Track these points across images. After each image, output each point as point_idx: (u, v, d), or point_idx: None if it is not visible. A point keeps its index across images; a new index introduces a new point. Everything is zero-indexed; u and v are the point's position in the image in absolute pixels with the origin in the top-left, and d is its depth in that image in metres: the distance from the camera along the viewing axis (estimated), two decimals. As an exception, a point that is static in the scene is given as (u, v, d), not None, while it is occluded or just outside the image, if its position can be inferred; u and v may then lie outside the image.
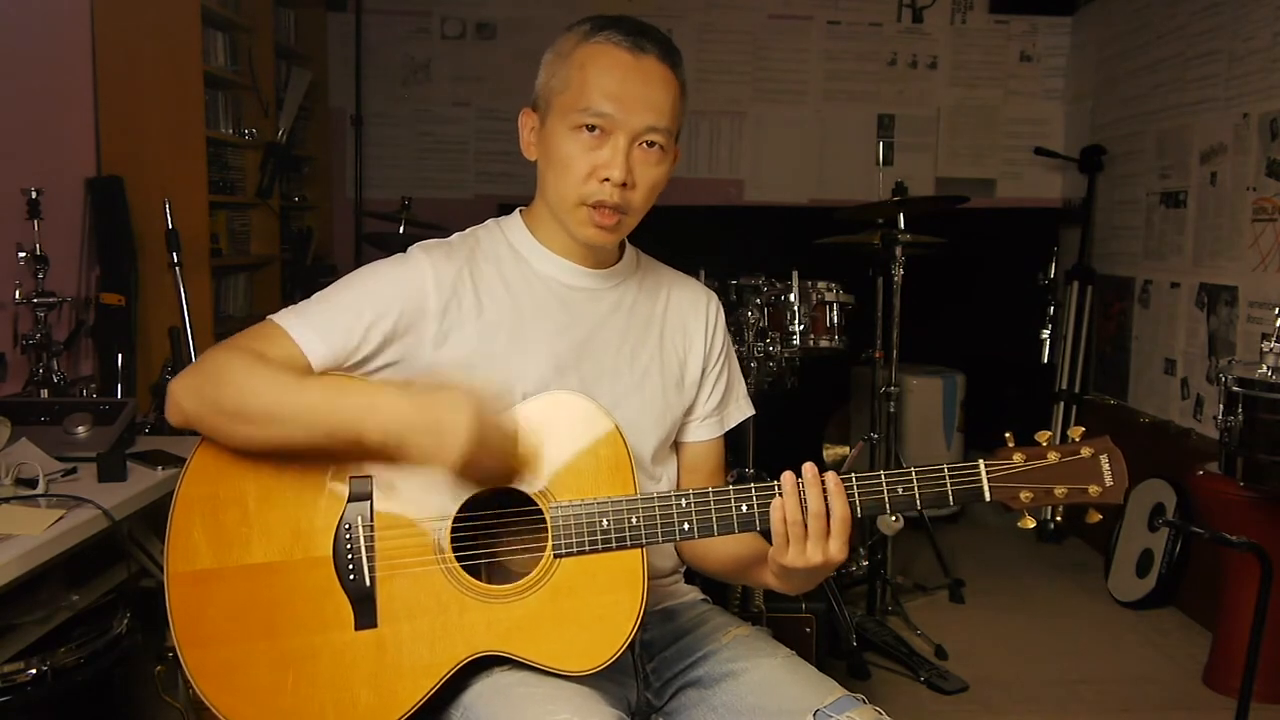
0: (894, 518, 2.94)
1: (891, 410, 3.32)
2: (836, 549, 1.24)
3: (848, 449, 3.97)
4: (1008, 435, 1.28)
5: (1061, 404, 4.22)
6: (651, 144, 1.35)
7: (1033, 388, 4.29)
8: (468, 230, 1.47)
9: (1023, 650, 3.11)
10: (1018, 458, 1.25)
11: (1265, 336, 2.64)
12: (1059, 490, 1.25)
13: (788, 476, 1.24)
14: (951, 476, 1.25)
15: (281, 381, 1.25)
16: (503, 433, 1.24)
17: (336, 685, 1.25)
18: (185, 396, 1.26)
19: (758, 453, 2.90)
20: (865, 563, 3.26)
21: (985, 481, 1.25)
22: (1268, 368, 2.56)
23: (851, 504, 1.24)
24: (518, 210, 1.48)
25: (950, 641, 3.06)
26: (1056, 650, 3.11)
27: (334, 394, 1.24)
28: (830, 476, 1.24)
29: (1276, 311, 2.64)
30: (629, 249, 1.51)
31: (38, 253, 2.44)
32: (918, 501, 1.25)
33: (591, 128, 1.32)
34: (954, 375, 4.28)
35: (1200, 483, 2.81)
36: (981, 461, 1.26)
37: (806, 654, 1.44)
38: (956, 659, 3.00)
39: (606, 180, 1.32)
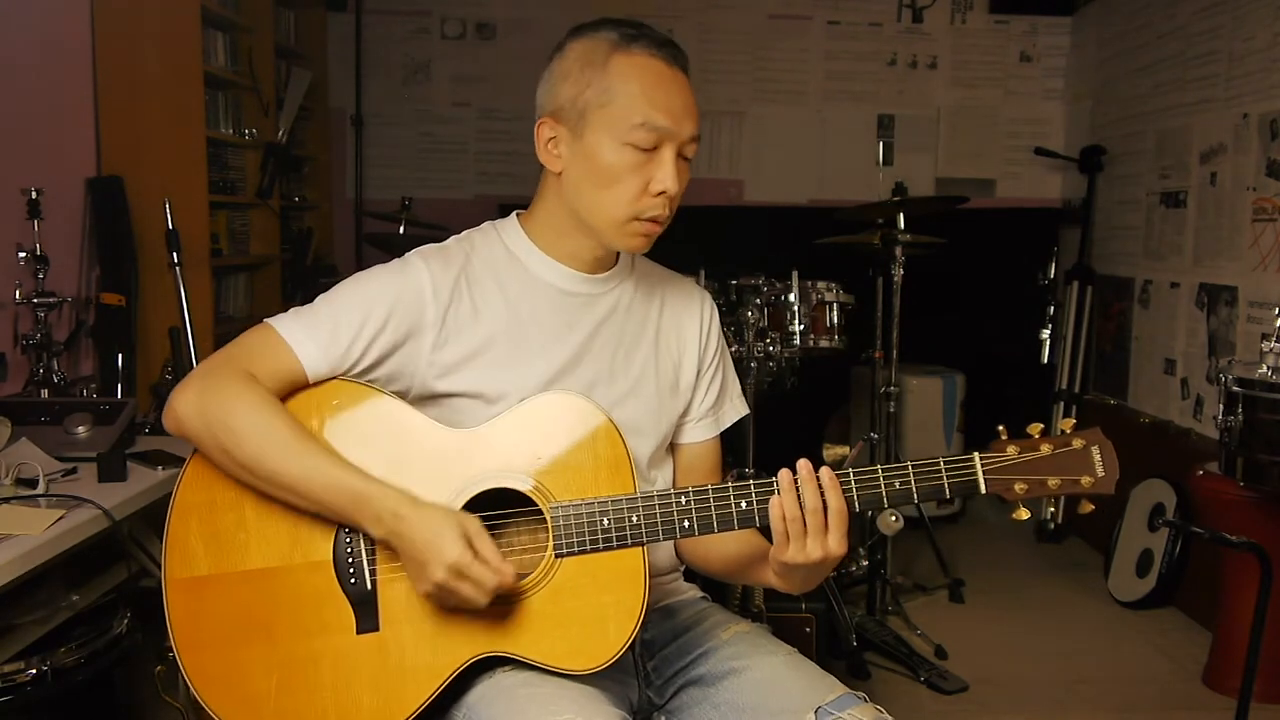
0: (894, 517, 2.94)
1: (891, 410, 3.32)
2: (835, 543, 1.24)
3: (848, 449, 3.98)
4: (1000, 428, 1.29)
5: (1061, 404, 4.22)
6: (688, 153, 1.36)
7: (1033, 388, 4.29)
8: (463, 234, 1.46)
9: (1023, 650, 3.11)
10: (1011, 450, 1.27)
11: (1265, 336, 2.64)
12: (1052, 481, 1.26)
13: (784, 474, 1.25)
14: (947, 469, 1.26)
15: (296, 452, 1.25)
16: (477, 591, 1.22)
17: (339, 689, 1.25)
18: (190, 421, 1.27)
19: (758, 453, 2.90)
20: (865, 563, 3.26)
21: (980, 474, 1.26)
22: (1268, 368, 2.56)
23: (849, 498, 1.25)
24: (514, 214, 1.47)
25: (950, 641, 3.06)
26: (1056, 650, 3.11)
27: (343, 485, 1.25)
28: (825, 472, 1.25)
29: (1276, 311, 2.64)
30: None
31: (38, 253, 2.44)
32: (914, 494, 1.26)
33: (645, 141, 1.32)
34: (954, 375, 4.28)
35: (1200, 483, 2.81)
36: (976, 454, 1.27)
37: (806, 654, 1.44)
38: (956, 659, 3.00)
39: (661, 194, 1.33)
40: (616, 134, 1.32)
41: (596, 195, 1.35)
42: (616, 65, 1.33)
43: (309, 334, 1.31)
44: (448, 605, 1.25)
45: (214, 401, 1.26)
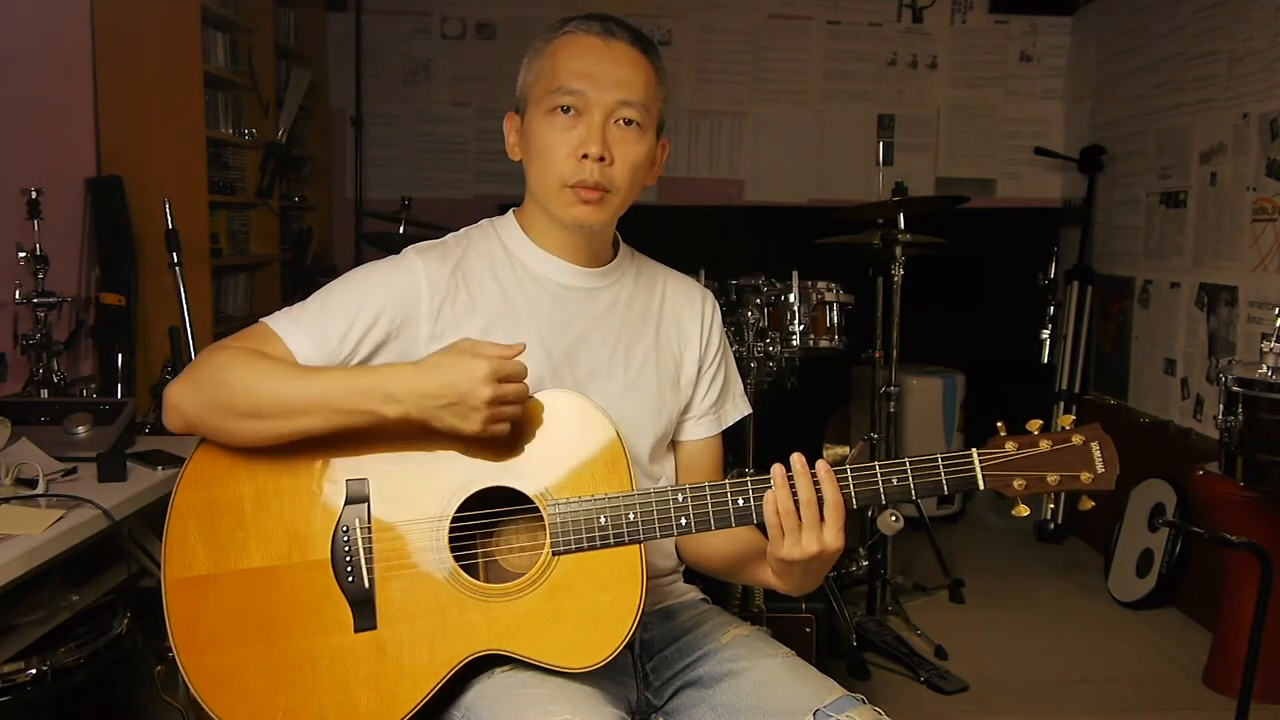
0: (894, 517, 2.94)
1: (891, 410, 3.32)
2: (832, 536, 1.24)
3: (848, 449, 3.97)
4: (999, 425, 1.29)
5: (1061, 404, 4.22)
6: (629, 121, 1.36)
7: (1033, 388, 4.29)
8: (462, 230, 1.47)
9: (1023, 650, 3.11)
10: (1010, 446, 1.27)
11: (1265, 336, 2.64)
12: (1051, 477, 1.26)
13: (777, 469, 1.25)
14: (945, 465, 1.26)
15: (289, 374, 1.26)
16: (519, 383, 1.25)
17: (336, 688, 1.25)
18: (186, 400, 1.27)
19: (758, 453, 2.90)
20: (865, 563, 3.26)
21: (978, 470, 1.26)
22: (1268, 368, 2.56)
23: (846, 495, 1.25)
24: (511, 211, 1.49)
25: (950, 641, 3.06)
26: (1056, 650, 3.11)
27: (347, 380, 1.25)
28: (820, 465, 1.25)
29: (1276, 311, 2.64)
30: (623, 247, 1.51)
31: (38, 253, 2.44)
32: (912, 491, 1.26)
33: (566, 109, 1.34)
34: (954, 375, 4.28)
35: (1200, 483, 2.81)
36: (974, 450, 1.27)
37: (806, 654, 1.44)
38: (956, 659, 3.00)
39: (585, 157, 1.34)
40: (542, 105, 1.36)
41: (535, 169, 1.39)
42: (550, 47, 1.38)
43: (301, 329, 1.32)
44: (502, 421, 1.24)
45: (203, 371, 1.28)
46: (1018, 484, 1.26)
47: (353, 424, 1.25)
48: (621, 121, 1.36)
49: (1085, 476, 1.26)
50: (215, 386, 1.25)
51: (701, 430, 1.54)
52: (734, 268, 3.11)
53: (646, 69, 1.38)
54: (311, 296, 1.37)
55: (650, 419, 1.46)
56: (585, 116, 1.34)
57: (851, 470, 1.26)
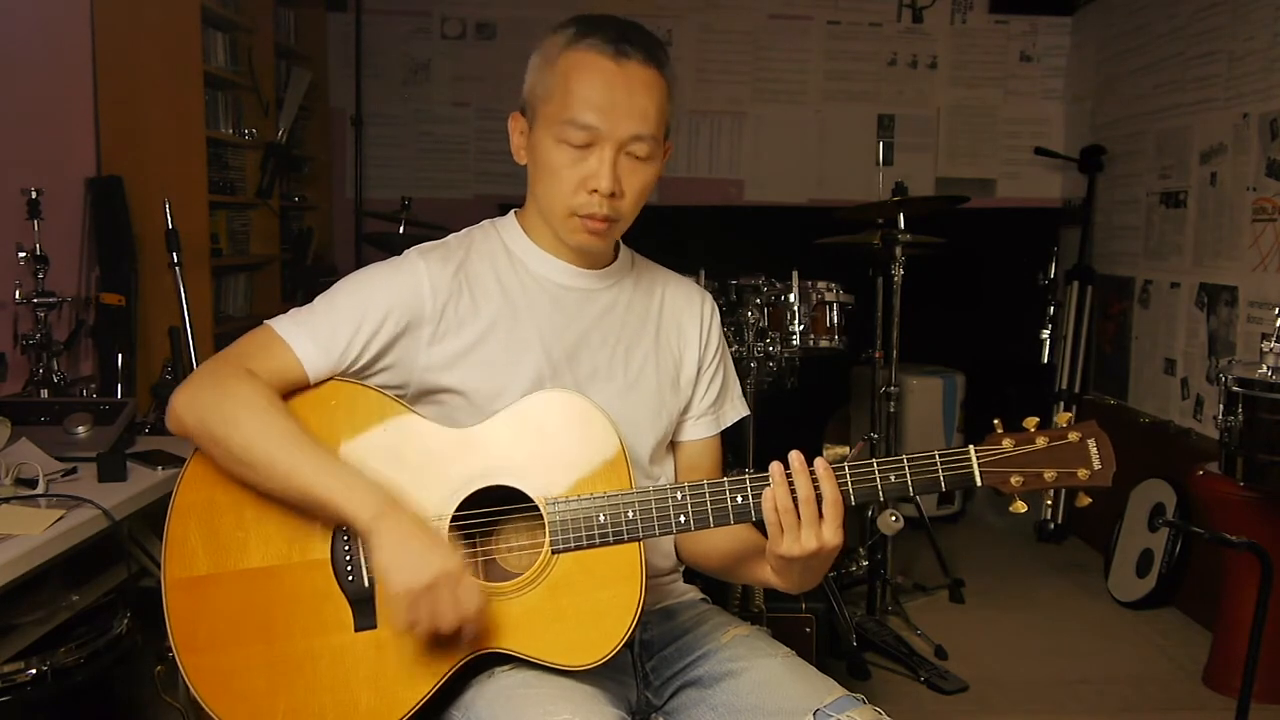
0: (894, 517, 2.94)
1: (891, 410, 3.32)
2: (830, 533, 1.24)
3: (848, 449, 3.97)
4: (996, 422, 1.29)
5: (1061, 404, 4.22)
6: (640, 156, 1.34)
7: (1033, 388, 4.29)
8: (463, 231, 1.47)
9: (1023, 650, 3.11)
10: (1007, 443, 1.27)
11: (1265, 336, 2.65)
12: (1048, 474, 1.26)
13: (775, 466, 1.24)
14: (943, 462, 1.26)
15: (290, 443, 1.24)
16: (454, 611, 1.21)
17: (336, 687, 1.25)
18: (189, 414, 1.27)
19: (757, 453, 2.90)
20: (865, 563, 3.26)
21: (976, 466, 1.26)
22: (1268, 368, 2.56)
23: (845, 492, 1.25)
24: (512, 211, 1.49)
25: (950, 641, 3.06)
26: (1056, 650, 3.11)
27: (338, 477, 1.23)
28: (819, 462, 1.24)
29: (1276, 311, 2.64)
30: (623, 249, 1.51)
31: (38, 253, 2.44)
32: (910, 487, 1.26)
33: (576, 138, 1.32)
34: (954, 375, 4.28)
35: (1200, 483, 2.81)
36: (972, 447, 1.27)
37: (806, 654, 1.43)
38: (956, 659, 3.00)
39: (595, 191, 1.33)
40: (552, 130, 1.33)
41: (542, 188, 1.37)
42: (561, 60, 1.34)
43: (307, 333, 1.31)
44: (416, 619, 1.20)
45: (210, 394, 1.27)
46: (1015, 480, 1.26)
47: (315, 510, 1.24)
48: (631, 152, 1.34)
49: (1082, 473, 1.26)
50: (216, 418, 1.25)
51: (700, 430, 1.55)
52: (734, 268, 3.11)
53: (659, 89, 1.35)
54: (316, 300, 1.36)
55: (650, 420, 1.46)
56: (596, 149, 1.32)
57: (849, 467, 1.26)
